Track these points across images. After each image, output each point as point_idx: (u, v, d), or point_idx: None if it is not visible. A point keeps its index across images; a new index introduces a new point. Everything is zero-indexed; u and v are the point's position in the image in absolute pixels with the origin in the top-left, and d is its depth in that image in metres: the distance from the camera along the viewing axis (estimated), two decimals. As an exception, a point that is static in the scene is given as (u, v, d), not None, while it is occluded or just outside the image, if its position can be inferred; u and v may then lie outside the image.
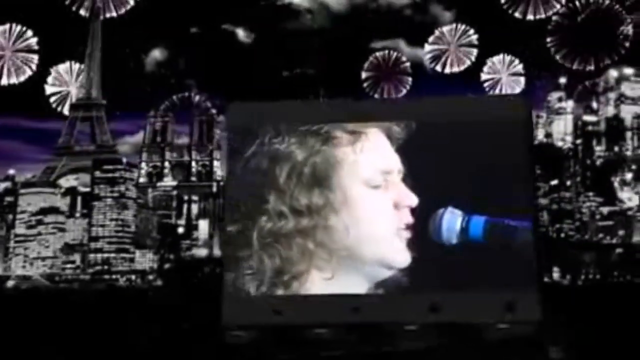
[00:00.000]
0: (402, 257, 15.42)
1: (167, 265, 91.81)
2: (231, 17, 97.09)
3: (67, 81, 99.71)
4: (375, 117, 16.74)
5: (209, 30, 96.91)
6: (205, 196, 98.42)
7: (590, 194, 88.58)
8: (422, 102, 18.84)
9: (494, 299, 15.52)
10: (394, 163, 15.80)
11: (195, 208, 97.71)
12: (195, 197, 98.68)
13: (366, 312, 15.79)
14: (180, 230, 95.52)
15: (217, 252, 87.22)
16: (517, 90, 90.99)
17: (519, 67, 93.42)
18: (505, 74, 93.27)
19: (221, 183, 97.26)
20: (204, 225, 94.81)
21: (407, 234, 15.47)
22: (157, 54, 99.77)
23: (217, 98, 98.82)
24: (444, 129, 16.28)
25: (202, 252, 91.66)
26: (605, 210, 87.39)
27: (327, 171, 15.71)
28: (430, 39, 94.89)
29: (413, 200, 15.47)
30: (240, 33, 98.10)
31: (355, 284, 15.68)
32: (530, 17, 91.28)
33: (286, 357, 14.66)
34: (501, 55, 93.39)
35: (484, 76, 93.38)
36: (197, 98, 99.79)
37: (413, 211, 15.52)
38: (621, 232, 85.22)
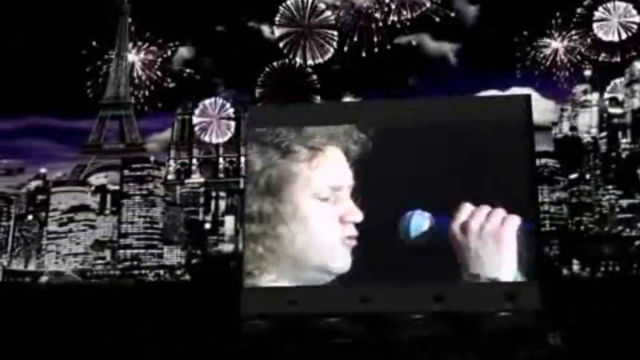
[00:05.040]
0: (343, 263, 16.70)
1: (194, 261, 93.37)
2: (256, 14, 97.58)
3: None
4: (386, 117, 17.57)
5: (234, 28, 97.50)
6: (232, 192, 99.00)
7: (610, 187, 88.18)
8: (425, 102, 19.43)
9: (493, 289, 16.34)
10: (346, 179, 16.90)
11: (222, 204, 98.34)
12: (222, 194, 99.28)
13: (375, 302, 16.73)
14: (207, 226, 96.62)
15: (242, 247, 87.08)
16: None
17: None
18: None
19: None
20: (230, 221, 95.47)
21: (352, 242, 16.63)
22: (184, 52, 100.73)
23: (243, 95, 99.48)
24: (437, 130, 17.10)
25: (228, 248, 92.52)
26: (624, 203, 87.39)
27: (280, 184, 17.00)
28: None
29: (358, 216, 16.60)
30: (266, 30, 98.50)
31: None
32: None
33: (298, 344, 15.53)
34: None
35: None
36: (223, 95, 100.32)
37: (357, 226, 16.56)
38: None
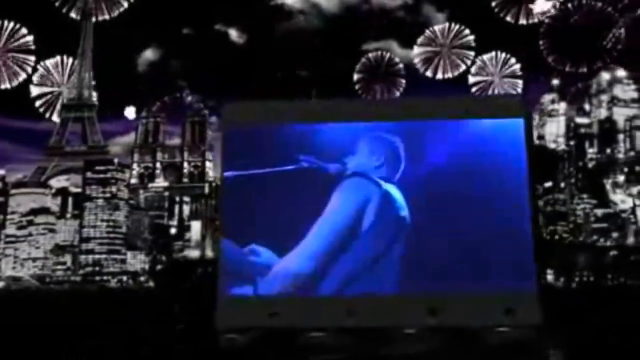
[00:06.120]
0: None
1: (159, 267, 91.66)
2: (224, 17, 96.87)
3: (57, 81, 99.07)
4: (365, 116, 16.60)
5: (201, 31, 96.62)
6: (196, 197, 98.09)
7: (585, 195, 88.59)
8: (413, 102, 18.50)
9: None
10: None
11: (187, 209, 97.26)
12: (187, 199, 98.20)
13: (362, 316, 15.68)
14: (173, 231, 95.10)
15: (209, 253, 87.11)
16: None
17: (515, 67, 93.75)
18: (497, 76, 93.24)
19: (213, 184, 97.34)
20: (196, 227, 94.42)
21: None
22: (149, 54, 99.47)
23: (209, 99, 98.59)
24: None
25: (194, 254, 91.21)
26: (599, 212, 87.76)
27: None
28: (420, 39, 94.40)
29: None
30: (233, 34, 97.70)
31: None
32: (522, 21, 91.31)
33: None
34: (493, 54, 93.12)
35: (472, 78, 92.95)
36: (189, 99, 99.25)
37: None
38: (615, 234, 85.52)
